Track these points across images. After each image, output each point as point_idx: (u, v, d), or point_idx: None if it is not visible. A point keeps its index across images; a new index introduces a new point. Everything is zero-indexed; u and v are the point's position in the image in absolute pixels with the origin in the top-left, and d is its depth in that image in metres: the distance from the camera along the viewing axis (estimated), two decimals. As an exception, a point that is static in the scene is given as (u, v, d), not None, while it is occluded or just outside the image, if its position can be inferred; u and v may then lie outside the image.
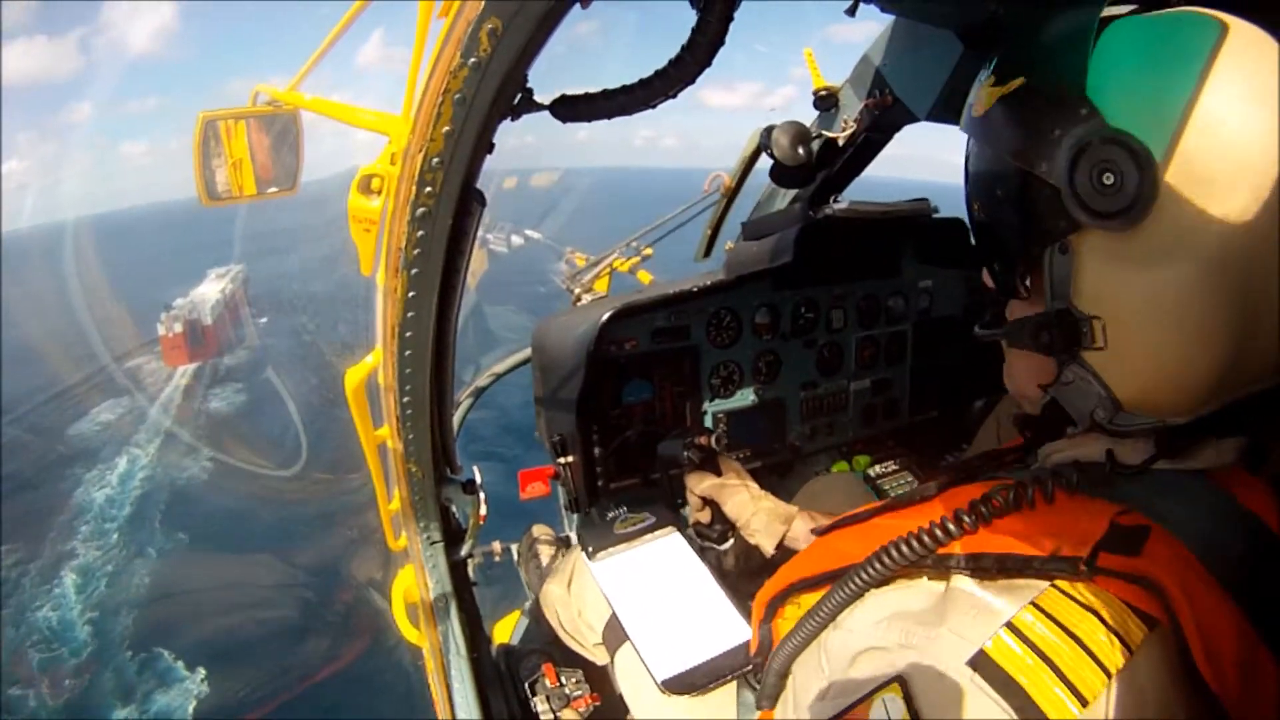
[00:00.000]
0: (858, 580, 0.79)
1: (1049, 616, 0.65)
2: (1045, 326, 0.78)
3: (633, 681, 1.46)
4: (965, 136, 0.87)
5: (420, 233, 0.99)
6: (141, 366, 39.46)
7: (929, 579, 0.77)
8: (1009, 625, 0.65)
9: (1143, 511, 0.70)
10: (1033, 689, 0.61)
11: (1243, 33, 0.66)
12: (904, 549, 0.76)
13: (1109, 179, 0.68)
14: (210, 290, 43.27)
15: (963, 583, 0.73)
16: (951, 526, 0.74)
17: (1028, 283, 0.82)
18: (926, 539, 0.75)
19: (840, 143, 1.86)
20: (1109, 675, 0.61)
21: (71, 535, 24.05)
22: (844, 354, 2.34)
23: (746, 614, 1.29)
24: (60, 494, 26.47)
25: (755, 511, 1.49)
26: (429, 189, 0.93)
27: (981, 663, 0.64)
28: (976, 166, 0.85)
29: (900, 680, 0.68)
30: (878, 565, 0.77)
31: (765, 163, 1.81)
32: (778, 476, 2.34)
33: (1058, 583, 0.67)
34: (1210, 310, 0.67)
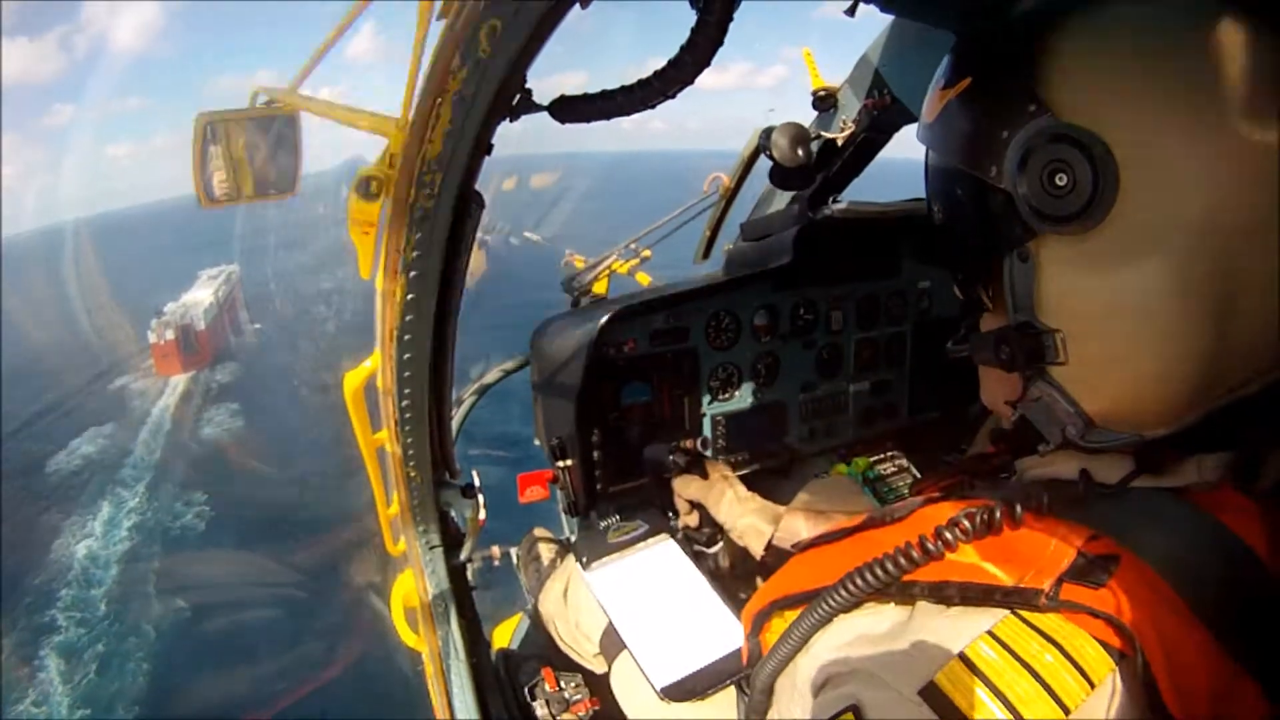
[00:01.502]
0: (825, 606, 0.76)
1: (1005, 647, 0.62)
2: (1005, 341, 0.74)
3: (631, 690, 1.46)
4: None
5: (419, 235, 0.98)
6: (127, 386, 35.92)
7: (895, 604, 0.74)
8: (961, 655, 0.62)
9: (1115, 536, 0.66)
10: None
11: (1229, 17, 0.62)
12: (868, 576, 0.73)
13: (1061, 180, 0.64)
14: (203, 293, 41.83)
15: (925, 610, 0.70)
16: (915, 554, 0.71)
17: (991, 294, 0.79)
18: (890, 566, 0.72)
19: (839, 143, 1.86)
20: (1066, 711, 0.58)
21: (50, 601, 20.04)
22: (843, 355, 2.33)
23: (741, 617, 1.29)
24: (36, 545, 22.20)
25: (742, 514, 1.48)
26: (428, 191, 0.93)
27: (931, 693, 0.61)
28: (933, 175, 0.82)
29: (854, 709, 0.66)
30: (843, 592, 0.75)
31: (764, 164, 1.81)
32: (777, 478, 2.34)
33: (1019, 611, 0.64)
34: (1182, 310, 0.63)
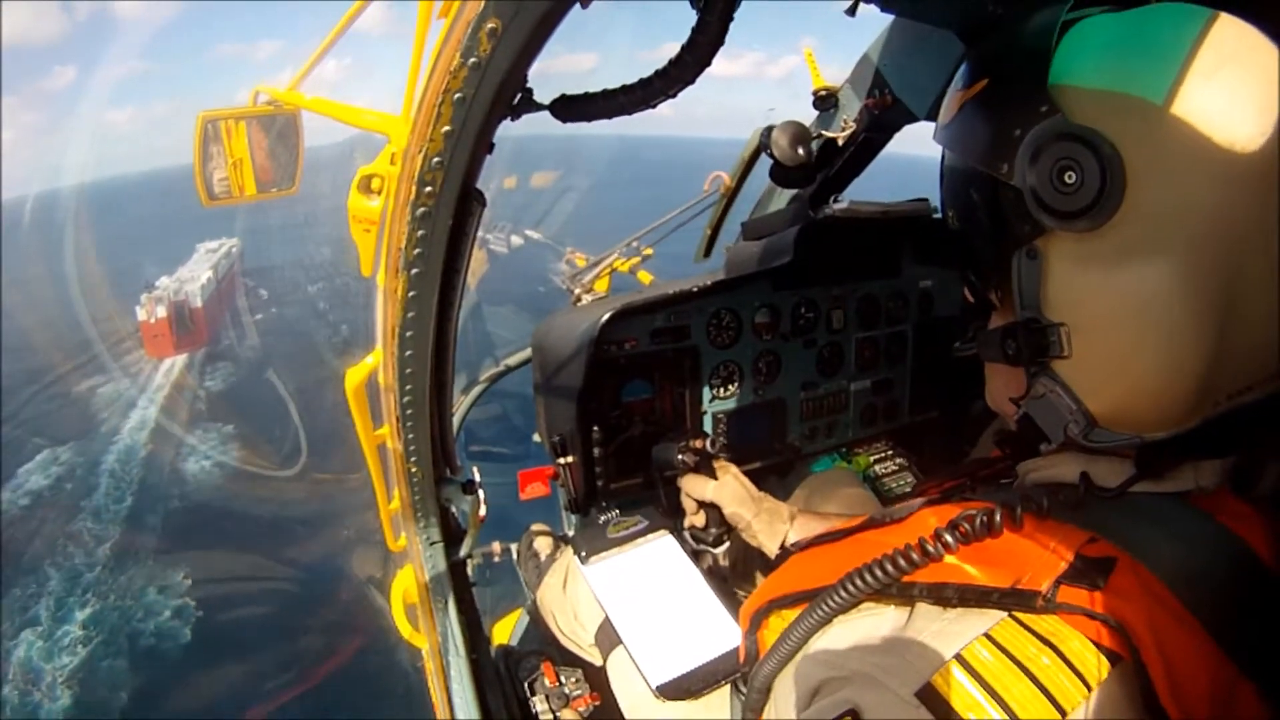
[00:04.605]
0: (824, 607, 0.77)
1: (1001, 649, 0.62)
2: (1011, 335, 0.75)
3: (627, 684, 1.46)
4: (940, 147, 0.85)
5: (420, 232, 0.99)
6: (95, 390, 27.96)
7: (895, 606, 0.74)
8: (958, 657, 0.63)
9: (1114, 539, 0.67)
10: None
11: (1225, 20, 0.64)
12: (868, 577, 0.73)
13: (1070, 177, 0.66)
14: (200, 268, 36.81)
15: (923, 611, 0.71)
16: (915, 555, 0.71)
17: (999, 293, 0.80)
18: (890, 567, 0.72)
19: (840, 143, 1.86)
20: (1063, 713, 0.59)
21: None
22: (844, 354, 2.33)
23: (738, 616, 1.29)
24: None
25: (758, 513, 1.49)
26: (429, 189, 0.93)
27: (928, 695, 0.62)
28: (948, 174, 0.84)
29: (852, 713, 0.66)
30: (843, 593, 0.75)
31: (765, 163, 1.81)
32: (778, 477, 2.34)
33: (1016, 613, 0.65)
34: (1185, 312, 0.64)
